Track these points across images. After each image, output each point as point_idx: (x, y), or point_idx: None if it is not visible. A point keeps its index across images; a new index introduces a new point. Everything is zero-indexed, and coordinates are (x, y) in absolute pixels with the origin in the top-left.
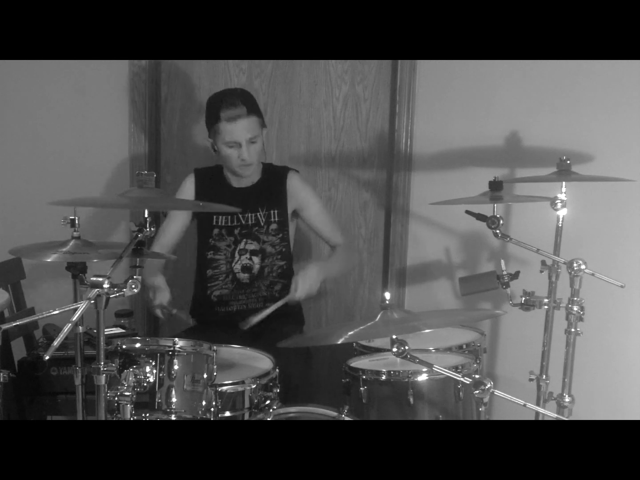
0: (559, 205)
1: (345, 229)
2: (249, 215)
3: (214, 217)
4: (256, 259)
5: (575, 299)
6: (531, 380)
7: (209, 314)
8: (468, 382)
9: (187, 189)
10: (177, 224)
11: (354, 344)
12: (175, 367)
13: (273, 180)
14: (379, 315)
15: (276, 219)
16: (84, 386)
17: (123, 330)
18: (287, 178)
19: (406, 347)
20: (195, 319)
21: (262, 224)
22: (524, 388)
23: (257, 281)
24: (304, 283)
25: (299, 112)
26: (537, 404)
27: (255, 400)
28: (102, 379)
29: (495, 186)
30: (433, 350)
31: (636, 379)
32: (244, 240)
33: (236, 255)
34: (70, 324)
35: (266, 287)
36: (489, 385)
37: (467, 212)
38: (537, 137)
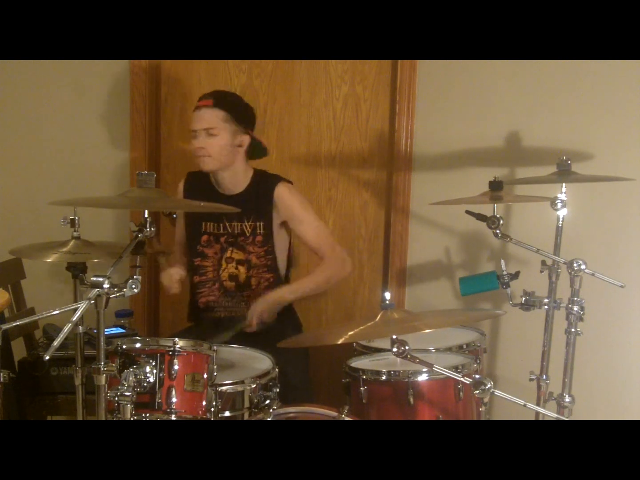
0: (559, 205)
1: (345, 229)
2: (235, 224)
3: (203, 223)
4: (242, 269)
5: (575, 299)
6: (531, 380)
7: (199, 318)
8: (468, 382)
9: (179, 192)
10: (180, 226)
11: (354, 344)
12: (175, 367)
13: (262, 190)
14: (379, 315)
15: (262, 231)
16: (84, 386)
17: (123, 330)
18: (275, 190)
19: (406, 347)
20: (192, 322)
21: (247, 234)
22: (524, 388)
23: (245, 290)
24: (256, 314)
25: (299, 112)
26: (537, 404)
27: (255, 400)
28: (102, 379)
29: (495, 186)
30: (433, 350)
31: (636, 379)
32: (230, 248)
33: (223, 263)
34: (70, 324)
35: (255, 299)
36: (489, 385)
37: (467, 212)
38: (537, 137)
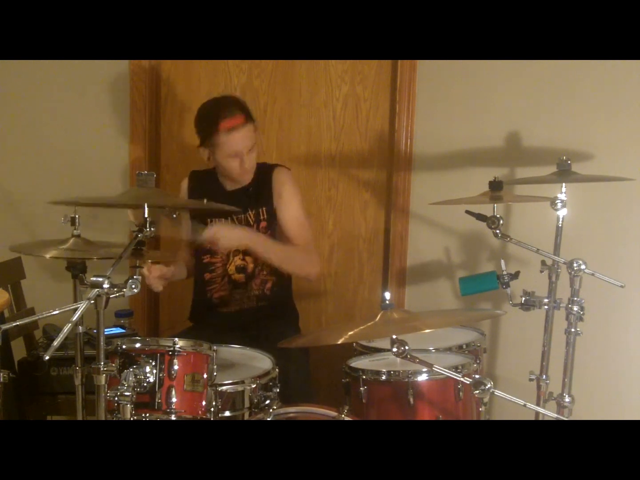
0: (559, 205)
1: (345, 229)
2: (241, 216)
3: (208, 220)
4: (249, 259)
5: (575, 299)
6: (531, 380)
7: (209, 315)
8: (468, 382)
9: (182, 191)
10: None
11: (354, 344)
12: (175, 367)
13: (262, 179)
14: (379, 315)
15: (265, 217)
16: (84, 386)
17: (123, 330)
18: (273, 173)
19: (406, 347)
20: (194, 322)
21: (251, 223)
22: (524, 388)
23: (250, 280)
24: (218, 229)
25: (299, 112)
26: (537, 404)
27: (255, 400)
28: (102, 379)
29: (495, 186)
30: (433, 350)
31: (636, 379)
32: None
33: (231, 256)
34: (70, 324)
35: (257, 286)
36: (489, 385)
37: (467, 212)
38: (537, 137)
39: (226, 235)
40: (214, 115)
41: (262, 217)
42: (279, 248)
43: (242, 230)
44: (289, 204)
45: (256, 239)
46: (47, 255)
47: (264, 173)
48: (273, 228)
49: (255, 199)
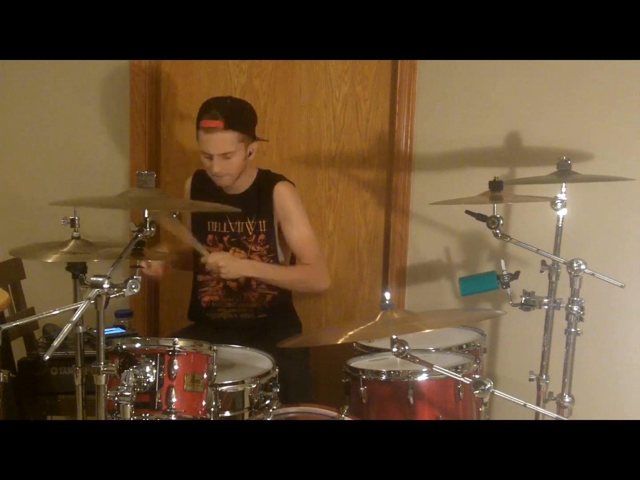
0: (559, 205)
1: (345, 229)
2: (238, 223)
3: (208, 223)
4: None
5: (575, 299)
6: (531, 380)
7: (202, 318)
8: (468, 382)
9: (186, 190)
10: (188, 226)
11: (354, 344)
12: (175, 367)
13: (264, 189)
14: (379, 315)
15: (264, 230)
16: (84, 386)
17: (123, 330)
18: (275, 187)
19: (406, 347)
20: (192, 321)
21: (250, 233)
22: (524, 388)
23: (245, 291)
24: (217, 258)
25: (299, 112)
26: (537, 404)
27: (255, 400)
28: (102, 379)
29: (495, 186)
30: (433, 350)
31: (636, 379)
32: (233, 248)
33: None
34: (70, 324)
35: (256, 299)
36: (489, 385)
37: (467, 212)
38: (537, 137)
39: (228, 266)
40: (202, 111)
41: (261, 230)
42: (286, 273)
43: (244, 263)
44: (296, 222)
45: (261, 269)
46: (48, 260)
47: (267, 184)
48: (272, 242)
49: (255, 208)
